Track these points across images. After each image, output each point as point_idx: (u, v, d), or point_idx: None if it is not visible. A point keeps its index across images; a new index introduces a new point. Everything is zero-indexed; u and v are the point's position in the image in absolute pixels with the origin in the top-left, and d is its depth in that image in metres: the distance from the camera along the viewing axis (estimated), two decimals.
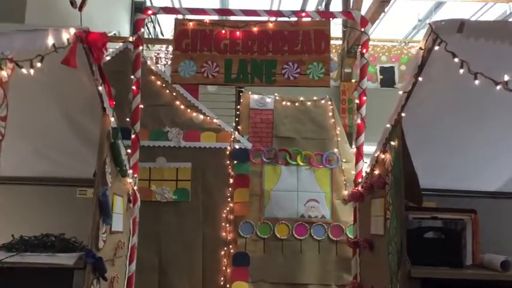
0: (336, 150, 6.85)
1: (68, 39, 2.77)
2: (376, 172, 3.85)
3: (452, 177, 4.14)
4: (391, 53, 10.88)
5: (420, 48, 3.03)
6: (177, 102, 6.62)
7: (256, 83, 4.77)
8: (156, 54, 8.97)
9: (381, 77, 10.62)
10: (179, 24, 4.86)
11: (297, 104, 7.00)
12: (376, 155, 3.84)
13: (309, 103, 7.00)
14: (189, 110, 6.61)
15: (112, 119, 3.56)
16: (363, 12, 9.34)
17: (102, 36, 2.98)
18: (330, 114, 6.96)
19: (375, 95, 10.25)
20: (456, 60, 2.75)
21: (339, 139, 6.91)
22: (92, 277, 3.39)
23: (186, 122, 6.56)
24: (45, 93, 3.48)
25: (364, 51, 4.83)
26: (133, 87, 4.89)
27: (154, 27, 12.26)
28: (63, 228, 4.23)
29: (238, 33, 4.79)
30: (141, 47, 4.96)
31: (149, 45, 10.91)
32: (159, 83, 6.69)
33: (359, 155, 4.68)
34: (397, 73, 10.75)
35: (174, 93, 6.65)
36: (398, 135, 3.46)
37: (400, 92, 3.31)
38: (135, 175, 4.66)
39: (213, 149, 6.53)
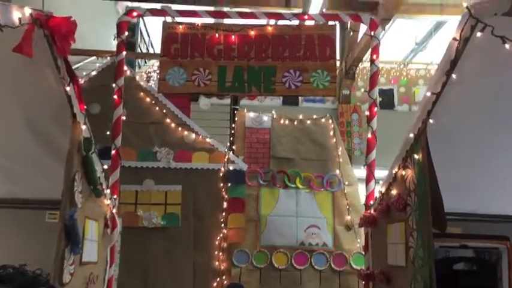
0: (337, 172, 6.24)
1: (20, 19, 2.17)
2: (394, 192, 3.22)
3: (480, 199, 3.51)
4: (390, 75, 10.42)
5: (454, 39, 2.43)
6: (167, 120, 6.08)
7: (254, 93, 4.19)
8: (147, 73, 8.42)
9: (380, 99, 10.13)
10: (167, 28, 4.29)
11: (295, 122, 6.43)
12: (393, 171, 3.21)
13: (308, 122, 6.43)
14: (180, 129, 6.08)
15: (84, 127, 2.93)
16: (361, 31, 8.88)
17: (67, 21, 2.38)
18: (331, 133, 6.38)
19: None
20: (507, 46, 2.15)
21: (341, 160, 6.31)
22: None
23: (176, 142, 6.03)
24: (2, 96, 2.85)
25: (375, 57, 4.25)
26: (115, 97, 4.26)
27: (145, 42, 11.75)
28: (27, 258, 3.58)
29: (233, 37, 4.21)
30: (124, 52, 4.36)
31: (140, 63, 10.41)
32: (148, 99, 6.14)
33: (370, 174, 4.06)
34: (397, 95, 10.29)
35: (164, 111, 6.12)
36: (423, 147, 2.85)
37: (428, 94, 2.70)
38: (115, 196, 4.00)
39: (205, 171, 5.99)
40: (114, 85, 4.35)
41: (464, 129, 3.00)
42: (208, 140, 6.04)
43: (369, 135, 4.20)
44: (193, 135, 6.04)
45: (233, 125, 6.42)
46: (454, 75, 2.53)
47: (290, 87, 4.15)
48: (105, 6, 10.47)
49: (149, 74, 8.31)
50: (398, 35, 11.08)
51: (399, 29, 10.63)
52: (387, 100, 10.15)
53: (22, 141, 3.25)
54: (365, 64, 10.21)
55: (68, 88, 2.69)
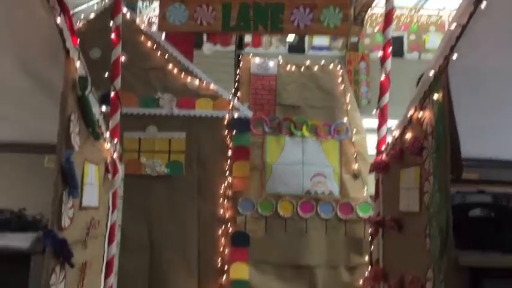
0: (345, 119, 6.03)
1: None
2: (409, 135, 3.02)
3: (499, 144, 3.31)
4: (400, 21, 9.99)
5: None
6: (170, 66, 5.83)
7: (260, 31, 3.95)
8: (149, 18, 8.09)
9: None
10: None
11: (302, 69, 6.16)
12: (409, 114, 3.01)
13: (316, 68, 6.15)
14: (183, 75, 5.84)
15: (78, 64, 2.71)
16: None
17: None
18: (339, 80, 6.12)
19: None
20: None
21: (349, 107, 6.08)
22: (54, 263, 2.58)
23: (179, 88, 5.81)
24: None
25: None
26: (113, 36, 4.01)
27: None
28: (28, 203, 3.45)
29: None
30: None
31: (141, 8, 10.01)
32: (149, 44, 5.86)
33: (382, 118, 3.85)
34: (406, 43, 9.92)
35: (166, 56, 5.85)
36: (444, 86, 2.64)
37: (452, 26, 2.46)
38: (115, 140, 3.82)
39: (209, 118, 5.80)
40: (111, 23, 4.08)
41: (489, 68, 2.76)
42: (212, 86, 5.81)
43: (382, 77, 3.96)
44: (197, 82, 5.81)
45: (238, 71, 6.16)
46: (482, 5, 2.28)
47: (299, 26, 3.90)
48: None
49: (151, 20, 7.98)
50: None
51: None
52: (396, 48, 9.66)
53: (14, 81, 3.04)
54: (374, 10, 9.83)
55: (58, 19, 2.46)
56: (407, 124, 3.06)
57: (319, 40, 9.79)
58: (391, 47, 3.96)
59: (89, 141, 3.08)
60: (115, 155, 3.65)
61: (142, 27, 5.89)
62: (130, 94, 5.67)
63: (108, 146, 3.49)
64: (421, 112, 2.88)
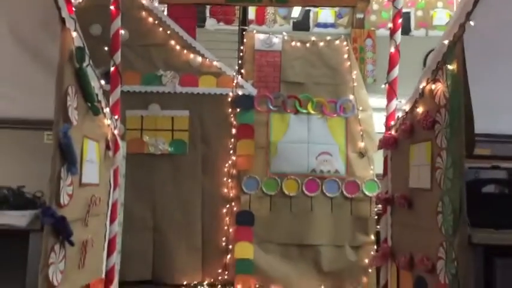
0: (351, 97, 5.87)
1: None
2: (421, 109, 2.89)
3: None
4: None
5: None
6: (172, 42, 5.70)
7: (264, 3, 3.79)
8: None
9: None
10: None
11: (308, 44, 5.98)
12: (421, 86, 2.87)
13: (321, 44, 5.97)
14: (185, 51, 5.71)
15: (75, 35, 2.58)
16: None
17: None
18: (346, 56, 5.95)
19: (388, 42, 9.20)
20: None
21: (355, 84, 5.91)
22: (53, 241, 2.50)
23: (182, 65, 5.70)
24: None
25: None
26: (112, 8, 3.86)
27: None
28: (27, 180, 3.36)
29: None
30: None
31: None
32: (151, 19, 5.73)
33: (392, 92, 3.70)
34: (414, 19, 9.65)
35: (169, 32, 5.73)
36: (458, 56, 2.49)
37: None
38: (116, 116, 3.70)
39: (213, 96, 5.69)
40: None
41: (506, 38, 2.62)
42: (215, 63, 5.68)
43: (392, 50, 3.80)
44: (200, 58, 5.68)
45: (241, 48, 5.99)
46: None
47: None
48: None
49: None
50: None
51: None
52: (403, 24, 9.51)
53: (9, 55, 2.92)
54: None
55: None
56: (418, 97, 2.92)
57: (324, 17, 9.56)
58: (400, 19, 3.79)
59: (88, 116, 2.97)
60: (116, 132, 3.54)
61: (143, 2, 5.74)
62: (132, 71, 5.56)
63: (109, 122, 3.38)
64: (434, 84, 2.74)
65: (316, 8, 9.39)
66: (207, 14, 8.67)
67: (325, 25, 9.51)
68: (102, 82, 3.08)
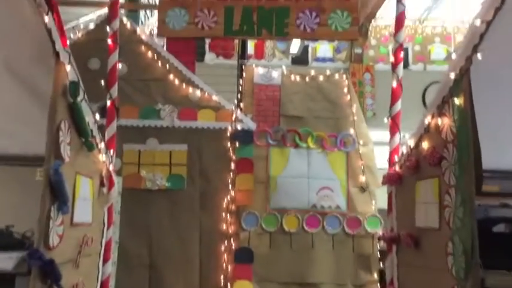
0: (352, 131, 5.79)
1: None
2: (427, 145, 2.78)
3: None
4: (405, 33, 9.75)
5: None
6: (171, 76, 5.64)
7: (264, 36, 3.72)
8: (151, 30, 7.92)
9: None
10: None
11: (307, 78, 5.94)
12: (426, 121, 2.76)
13: (321, 78, 5.94)
14: (184, 85, 5.64)
15: (69, 68, 2.49)
16: None
17: None
18: (345, 90, 5.90)
19: (386, 77, 9.15)
20: None
21: (356, 118, 5.85)
22: (41, 286, 2.34)
23: (181, 99, 5.61)
24: None
25: None
26: (109, 41, 3.80)
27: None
28: (18, 219, 3.22)
29: None
30: None
31: (143, 20, 9.85)
32: (150, 54, 5.68)
33: (395, 126, 3.59)
34: (411, 54, 9.69)
35: (168, 66, 5.67)
36: (465, 90, 2.40)
37: (478, 23, 2.22)
38: (111, 151, 3.58)
39: (211, 130, 5.58)
40: (107, 28, 3.87)
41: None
42: (214, 97, 5.59)
43: (394, 84, 3.72)
44: (199, 92, 5.60)
45: (241, 81, 5.94)
46: None
47: (305, 30, 3.66)
48: None
49: (153, 31, 7.80)
50: None
51: None
52: None
53: (4, 89, 2.82)
54: (378, 22, 9.65)
55: (46, 19, 2.24)
56: (424, 132, 2.81)
57: (323, 51, 9.59)
58: (402, 53, 3.73)
59: (81, 152, 2.85)
60: (111, 167, 3.41)
61: (142, 37, 5.71)
62: (130, 106, 5.47)
63: (104, 158, 3.25)
64: (440, 119, 2.63)
65: (315, 43, 9.45)
66: (207, 48, 8.69)
67: (323, 59, 9.52)
68: (97, 117, 2.96)
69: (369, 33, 9.24)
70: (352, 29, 3.68)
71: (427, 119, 2.76)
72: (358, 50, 9.20)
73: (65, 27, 6.77)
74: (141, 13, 10.52)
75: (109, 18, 3.87)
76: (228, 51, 8.93)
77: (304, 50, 9.50)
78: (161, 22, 3.77)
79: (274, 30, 3.68)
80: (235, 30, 3.71)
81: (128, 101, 5.44)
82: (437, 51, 9.78)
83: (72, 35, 5.69)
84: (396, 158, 3.38)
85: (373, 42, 9.73)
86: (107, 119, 3.74)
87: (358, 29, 8.85)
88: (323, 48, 9.59)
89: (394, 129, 3.60)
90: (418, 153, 2.90)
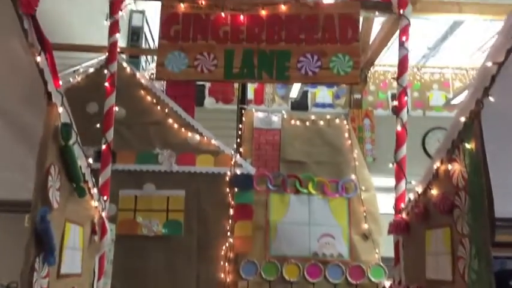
0: (353, 176, 5.64)
1: None
2: (436, 191, 2.62)
3: None
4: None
5: None
6: (170, 121, 5.53)
7: (265, 80, 3.62)
8: (150, 74, 7.90)
9: (393, 103, 9.54)
10: (167, 7, 3.73)
11: (307, 123, 5.84)
12: (435, 167, 2.62)
13: (321, 122, 5.84)
14: (183, 130, 5.53)
15: (61, 110, 2.36)
16: (373, 35, 8.33)
17: None
18: (346, 135, 5.79)
19: (386, 123, 9.15)
20: None
21: (357, 163, 5.70)
22: None
23: (179, 143, 5.49)
24: None
25: (404, 39, 3.66)
26: (107, 84, 3.70)
27: (150, 47, 11.14)
28: (3, 269, 3.00)
29: (242, 17, 3.65)
30: (117, 34, 3.79)
31: (144, 66, 9.91)
32: (149, 98, 5.60)
33: (400, 172, 3.44)
34: (410, 100, 9.67)
35: (167, 110, 5.58)
36: (476, 134, 2.26)
37: (489, 64, 2.11)
38: (105, 197, 3.41)
39: (210, 175, 5.42)
40: (105, 71, 3.78)
41: None
42: (213, 141, 5.47)
43: (398, 128, 3.60)
44: (198, 137, 5.48)
45: (240, 126, 5.83)
46: None
47: (307, 74, 3.57)
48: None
49: (153, 76, 7.77)
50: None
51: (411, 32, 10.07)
52: None
53: None
54: (376, 68, 9.71)
55: (39, 59, 2.13)
56: (432, 179, 2.66)
57: (322, 97, 9.58)
58: (406, 97, 3.63)
59: (72, 198, 2.67)
60: (104, 214, 3.23)
61: (142, 81, 5.65)
62: (127, 150, 5.36)
63: (96, 204, 3.08)
64: (450, 165, 2.48)
65: (314, 88, 9.45)
66: (206, 93, 8.65)
67: (323, 105, 9.49)
68: (91, 160, 2.81)
69: (368, 79, 9.26)
70: (354, 72, 3.59)
71: (436, 164, 2.61)
72: (357, 96, 9.18)
73: (67, 72, 6.72)
74: (142, 59, 10.62)
75: (107, 61, 3.79)
76: (227, 97, 8.89)
77: (304, 95, 9.48)
78: (160, 65, 3.67)
79: (275, 73, 3.59)
80: (236, 74, 3.62)
81: (125, 146, 5.33)
82: (436, 97, 9.78)
83: (71, 79, 5.65)
84: (403, 205, 3.22)
85: (372, 88, 9.75)
86: (102, 163, 3.59)
87: (360, 72, 8.95)
88: (322, 94, 9.58)
89: (399, 174, 3.44)
90: (426, 200, 2.74)
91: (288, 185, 5.57)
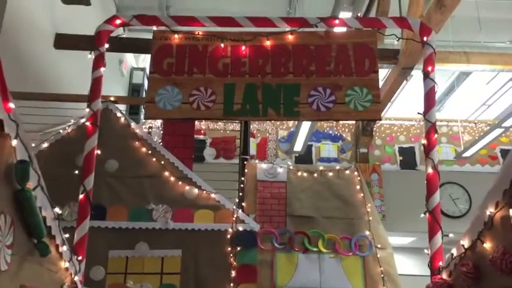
0: (367, 232, 5.03)
1: None
2: (490, 245, 2.02)
3: None
4: (410, 133, 9.38)
5: None
6: (166, 173, 5.01)
7: (271, 117, 3.11)
8: (149, 127, 7.47)
9: (401, 158, 9.08)
10: (159, 38, 3.29)
11: (315, 174, 5.29)
12: (487, 213, 2.04)
13: (330, 174, 5.29)
14: (180, 183, 5.00)
15: (16, 143, 1.83)
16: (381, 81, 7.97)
17: None
18: (358, 187, 5.22)
19: (394, 178, 8.67)
20: None
21: (371, 218, 5.09)
22: None
23: (176, 198, 4.94)
24: None
25: (430, 69, 3.17)
26: (88, 124, 3.18)
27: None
28: None
29: (243, 48, 3.20)
30: (102, 69, 3.32)
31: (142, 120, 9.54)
32: (144, 149, 5.11)
33: (435, 223, 2.84)
34: (418, 154, 9.19)
35: (163, 162, 5.07)
36: None
37: None
38: (79, 257, 2.80)
39: (210, 232, 4.82)
40: (87, 110, 3.28)
41: None
42: (213, 195, 4.92)
43: (429, 170, 3.03)
44: (196, 191, 4.93)
45: (242, 178, 5.29)
46: None
47: (319, 110, 3.07)
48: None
49: (150, 129, 7.34)
50: (415, 94, 10.18)
51: (416, 86, 9.77)
52: (408, 159, 9.07)
53: None
54: (382, 122, 9.31)
55: None
56: (485, 228, 2.07)
57: (327, 152, 9.11)
58: (436, 134, 3.10)
59: (31, 258, 2.08)
60: (77, 278, 2.60)
61: (137, 131, 5.17)
62: (119, 205, 4.82)
63: (67, 265, 2.47)
64: (506, 212, 1.91)
65: (318, 143, 9.00)
66: (207, 149, 8.19)
67: (328, 160, 9.00)
68: (58, 210, 2.24)
69: (374, 132, 8.83)
70: (374, 107, 3.09)
71: (489, 210, 2.03)
72: (363, 150, 8.68)
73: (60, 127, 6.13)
74: (142, 114, 10.27)
75: (90, 98, 3.30)
76: (229, 151, 8.44)
77: (308, 150, 9.01)
78: (150, 102, 3.19)
79: (282, 109, 3.10)
80: (237, 111, 3.13)
81: (117, 201, 4.81)
82: (445, 151, 9.29)
83: (61, 131, 5.21)
84: (441, 264, 2.60)
85: (378, 142, 9.29)
86: (78, 216, 3.00)
87: (363, 128, 8.52)
88: (327, 148, 9.12)
89: (434, 226, 2.83)
90: (477, 256, 2.14)
91: (295, 242, 4.96)
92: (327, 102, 3.09)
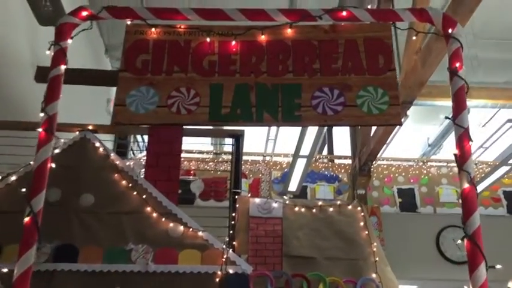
0: (374, 275, 4.48)
1: None
2: None
3: None
4: (409, 174, 8.96)
5: None
6: (148, 209, 4.44)
7: (267, 122, 2.61)
8: (140, 159, 6.94)
9: (400, 200, 8.62)
10: (133, 32, 2.82)
11: (314, 210, 4.77)
12: None
13: (331, 209, 4.78)
14: (163, 219, 4.41)
15: None
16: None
17: None
18: (362, 224, 4.69)
19: (393, 220, 8.16)
20: None
21: (377, 259, 4.52)
22: None
23: (158, 236, 4.36)
24: None
25: (458, 65, 2.65)
26: (40, 130, 2.62)
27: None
28: None
29: (233, 43, 2.72)
30: (63, 67, 2.78)
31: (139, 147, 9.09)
32: (124, 183, 4.57)
33: (477, 252, 2.16)
34: (418, 196, 8.74)
35: (145, 196, 4.49)
36: None
37: None
38: None
39: (196, 275, 4.22)
40: (41, 114, 2.73)
41: None
42: (200, 233, 4.33)
43: (465, 185, 2.46)
44: (181, 228, 4.36)
45: (233, 214, 4.74)
46: None
47: (325, 113, 2.56)
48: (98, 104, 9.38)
49: (138, 162, 6.80)
50: (410, 136, 9.88)
51: (412, 128, 9.51)
52: (408, 201, 8.62)
53: None
54: (379, 162, 8.91)
55: None
56: None
57: (323, 193, 8.67)
58: (471, 142, 2.56)
59: None
60: None
61: (117, 163, 4.65)
62: (93, 246, 4.21)
63: None
64: None
65: (314, 184, 8.53)
66: (195, 181, 7.67)
67: (324, 201, 8.54)
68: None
69: (371, 173, 8.38)
70: (392, 110, 2.60)
71: None
72: (361, 191, 8.20)
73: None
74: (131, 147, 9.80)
75: (46, 101, 2.73)
76: (220, 194, 7.92)
77: (303, 191, 8.54)
78: (120, 105, 2.68)
79: (280, 113, 2.60)
80: (225, 115, 2.62)
81: (91, 240, 4.21)
82: (446, 192, 8.86)
83: (32, 162, 4.69)
84: None
85: (376, 183, 8.87)
86: (20, 247, 2.36)
87: (360, 168, 8.05)
88: (323, 189, 8.68)
89: (475, 256, 2.20)
90: None
91: (293, 287, 4.38)
92: (335, 104, 2.60)
